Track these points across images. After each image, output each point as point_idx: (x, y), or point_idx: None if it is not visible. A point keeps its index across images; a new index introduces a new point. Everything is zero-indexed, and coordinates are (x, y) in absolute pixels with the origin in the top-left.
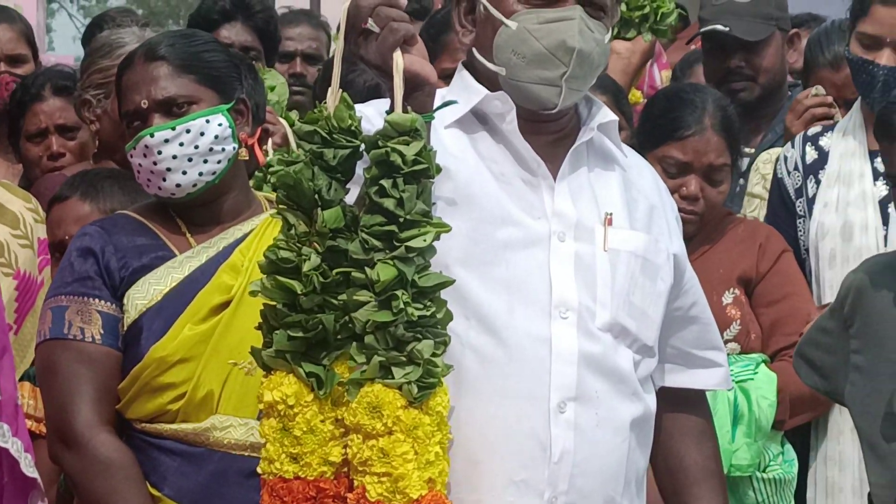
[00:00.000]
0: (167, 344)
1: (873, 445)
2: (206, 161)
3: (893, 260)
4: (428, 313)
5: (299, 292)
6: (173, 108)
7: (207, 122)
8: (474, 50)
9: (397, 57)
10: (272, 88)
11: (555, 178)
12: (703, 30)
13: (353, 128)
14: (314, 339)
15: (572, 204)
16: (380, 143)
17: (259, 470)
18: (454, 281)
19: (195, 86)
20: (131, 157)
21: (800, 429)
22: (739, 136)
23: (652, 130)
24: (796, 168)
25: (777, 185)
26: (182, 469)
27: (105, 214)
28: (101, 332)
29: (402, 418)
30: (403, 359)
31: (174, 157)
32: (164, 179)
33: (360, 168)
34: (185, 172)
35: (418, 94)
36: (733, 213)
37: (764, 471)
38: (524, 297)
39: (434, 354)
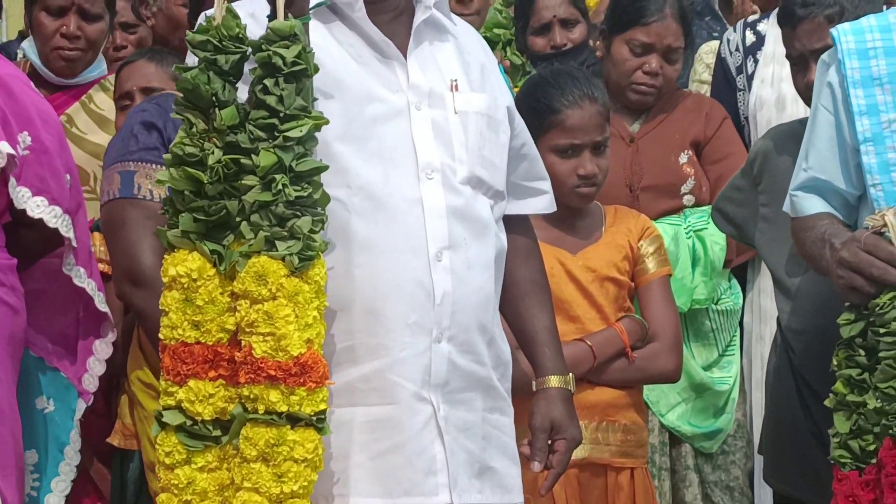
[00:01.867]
0: None
1: (779, 280)
2: None
3: (793, 128)
4: (305, 194)
5: (205, 182)
6: None
7: None
8: None
9: None
10: None
11: (403, 55)
12: None
13: (239, 35)
14: (216, 221)
15: (423, 75)
16: (263, 47)
17: (161, 336)
18: (328, 167)
19: None
20: None
21: (740, 266)
22: (692, 24)
23: (621, 17)
24: (737, 49)
25: (720, 63)
26: None
27: (166, 74)
28: (167, 194)
29: (285, 285)
30: (285, 234)
31: None
32: None
33: (247, 68)
34: None
35: (296, 0)
36: (681, 88)
37: (717, 303)
38: (395, 163)
39: (312, 231)
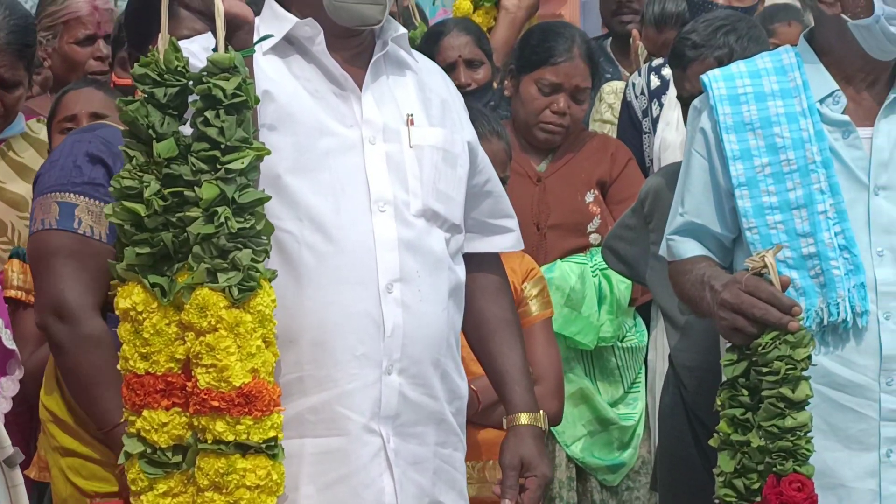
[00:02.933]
0: None
1: (672, 318)
2: None
3: None
4: (248, 226)
5: (143, 215)
6: None
7: None
8: None
9: (218, 3)
10: None
11: (360, 89)
12: None
13: (179, 68)
14: (159, 253)
15: (378, 110)
16: (203, 79)
17: (119, 367)
18: (270, 198)
19: None
20: None
21: (644, 304)
22: (599, 65)
23: (530, 57)
24: (643, 93)
25: (626, 107)
26: None
27: (112, 102)
28: (107, 232)
29: (225, 317)
30: (227, 265)
31: None
32: None
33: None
34: None
35: (239, 33)
36: (587, 129)
37: (622, 340)
38: (347, 197)
39: (254, 261)
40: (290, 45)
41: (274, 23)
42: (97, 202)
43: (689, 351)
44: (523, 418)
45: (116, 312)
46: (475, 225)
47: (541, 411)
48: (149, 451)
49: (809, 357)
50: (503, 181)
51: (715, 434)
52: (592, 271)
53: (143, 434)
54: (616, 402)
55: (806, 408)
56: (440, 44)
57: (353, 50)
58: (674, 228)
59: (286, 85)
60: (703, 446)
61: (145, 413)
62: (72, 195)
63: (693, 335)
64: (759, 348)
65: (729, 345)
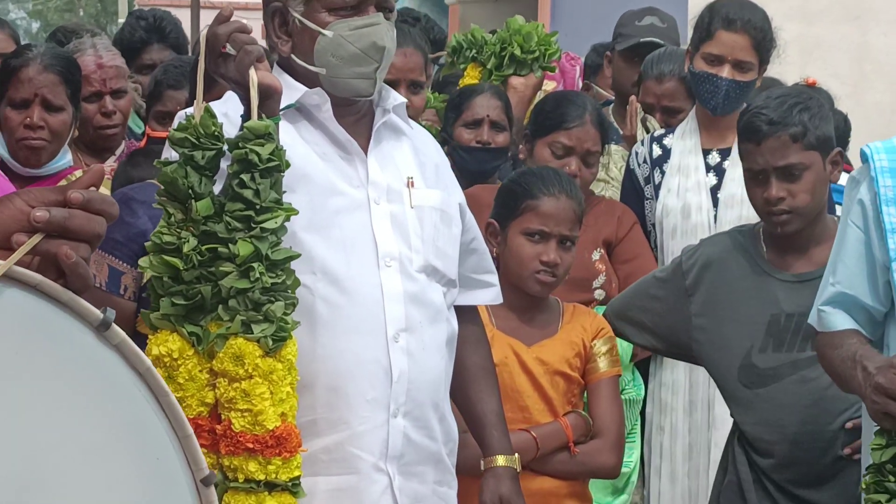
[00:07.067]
0: None
1: (733, 393)
2: None
3: (734, 238)
4: (279, 280)
5: (181, 268)
6: None
7: None
8: (293, 56)
9: (252, 73)
10: None
11: (364, 153)
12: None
13: (216, 133)
14: (193, 304)
15: (381, 172)
16: (240, 144)
17: None
18: (300, 255)
19: None
20: None
21: (643, 360)
22: (609, 131)
23: (544, 122)
24: (645, 161)
25: (629, 174)
26: None
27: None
28: (106, 280)
29: (260, 365)
30: (260, 318)
31: None
32: None
33: (224, 164)
34: None
35: (269, 102)
36: (593, 193)
37: (621, 393)
38: (357, 252)
39: (285, 314)
40: (297, 111)
41: (285, 91)
42: (120, 262)
43: (764, 424)
44: (500, 460)
45: (148, 358)
46: (460, 280)
47: (515, 454)
48: None
49: None
50: (571, 240)
51: None
52: None
53: None
54: None
55: None
56: (473, 100)
57: (355, 116)
58: (825, 299)
59: (298, 148)
60: None
61: None
62: (110, 257)
63: (761, 409)
64: None
65: (877, 428)
